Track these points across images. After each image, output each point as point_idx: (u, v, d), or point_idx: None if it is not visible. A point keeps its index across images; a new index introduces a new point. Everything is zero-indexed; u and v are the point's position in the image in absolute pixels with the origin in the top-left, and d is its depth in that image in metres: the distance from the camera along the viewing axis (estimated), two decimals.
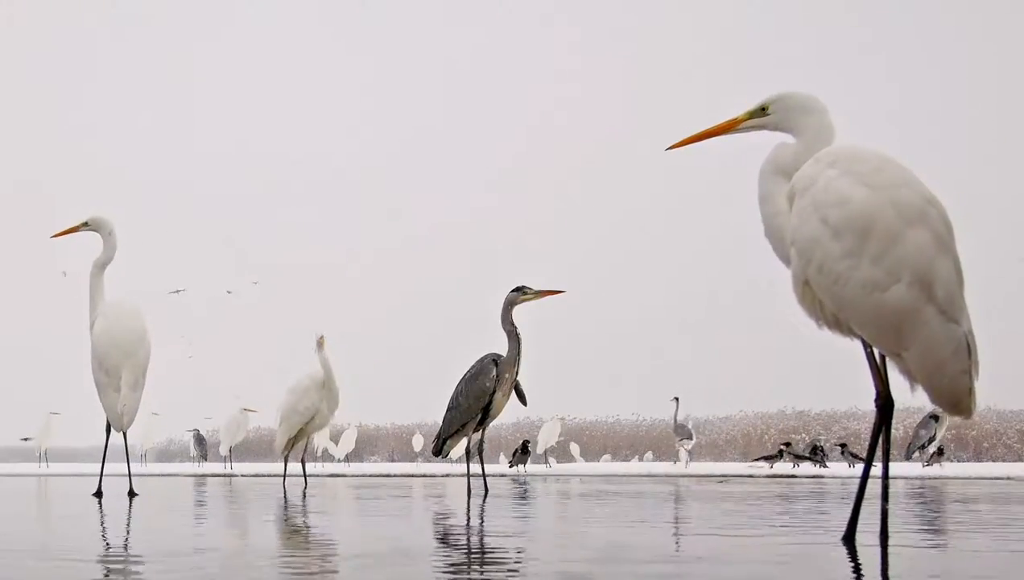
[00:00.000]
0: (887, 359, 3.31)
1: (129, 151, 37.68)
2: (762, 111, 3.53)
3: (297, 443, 9.61)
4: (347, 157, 36.27)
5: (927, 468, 14.99)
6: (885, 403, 3.33)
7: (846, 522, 3.39)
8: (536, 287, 7.13)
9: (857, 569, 2.82)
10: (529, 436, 22.28)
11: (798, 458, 16.90)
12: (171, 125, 38.60)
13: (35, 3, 36.68)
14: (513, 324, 7.14)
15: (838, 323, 3.30)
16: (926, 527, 4.48)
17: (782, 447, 17.42)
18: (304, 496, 7.61)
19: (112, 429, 7.49)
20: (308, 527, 4.55)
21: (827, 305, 3.26)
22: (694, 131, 3.65)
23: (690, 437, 17.54)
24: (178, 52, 39.75)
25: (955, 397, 3.17)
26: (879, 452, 3.35)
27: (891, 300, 3.11)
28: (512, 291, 7.14)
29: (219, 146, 37.66)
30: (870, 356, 3.35)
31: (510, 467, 16.55)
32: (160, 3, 41.07)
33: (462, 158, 37.25)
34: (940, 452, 16.07)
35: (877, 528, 3.32)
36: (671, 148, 3.71)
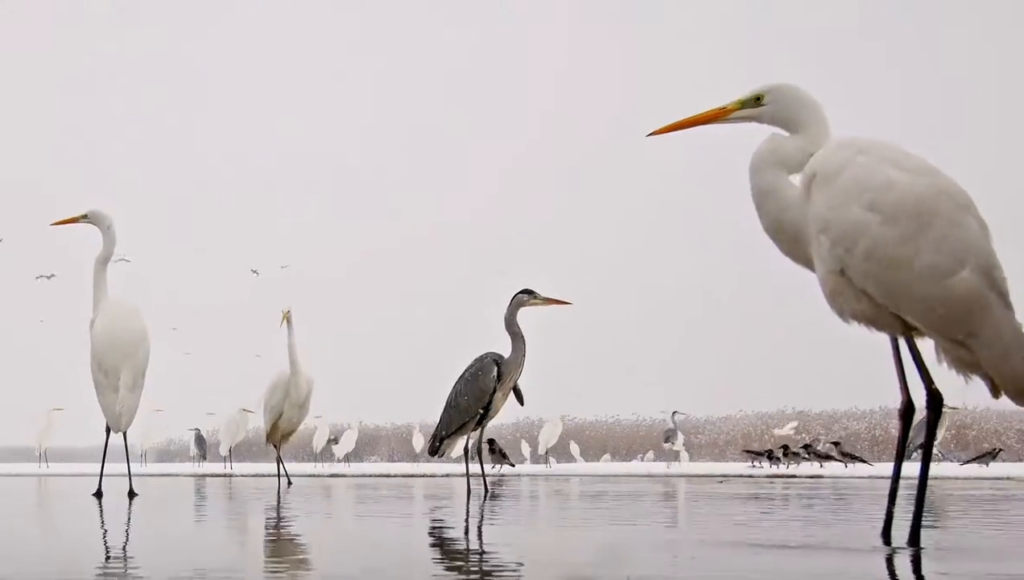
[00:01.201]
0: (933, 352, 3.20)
1: (128, 151, 37.67)
2: (756, 101, 3.33)
3: (282, 438, 9.61)
4: (347, 157, 36.26)
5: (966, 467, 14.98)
6: (935, 400, 3.23)
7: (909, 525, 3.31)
8: (543, 293, 7.09)
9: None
10: (529, 436, 22.26)
11: (756, 455, 16.98)
12: (170, 125, 38.59)
13: (36, 2, 36.68)
14: (518, 326, 7.12)
15: (875, 316, 3.16)
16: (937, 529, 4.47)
17: (770, 450, 17.39)
18: (279, 495, 7.59)
19: (111, 430, 7.46)
20: (295, 534, 4.54)
21: (872, 294, 3.11)
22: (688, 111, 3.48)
23: (668, 439, 17.74)
24: (177, 53, 39.75)
25: (1022, 383, 3.09)
26: (917, 452, 3.34)
27: (958, 286, 3.02)
28: (520, 293, 7.06)
29: (218, 146, 37.66)
30: (919, 355, 3.20)
31: (508, 466, 16.53)
32: (160, 3, 41.06)
33: (462, 158, 37.25)
34: (992, 453, 15.89)
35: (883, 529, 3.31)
36: (653, 134, 3.48)
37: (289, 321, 9.20)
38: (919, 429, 15.63)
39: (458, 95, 38.60)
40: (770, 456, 16.53)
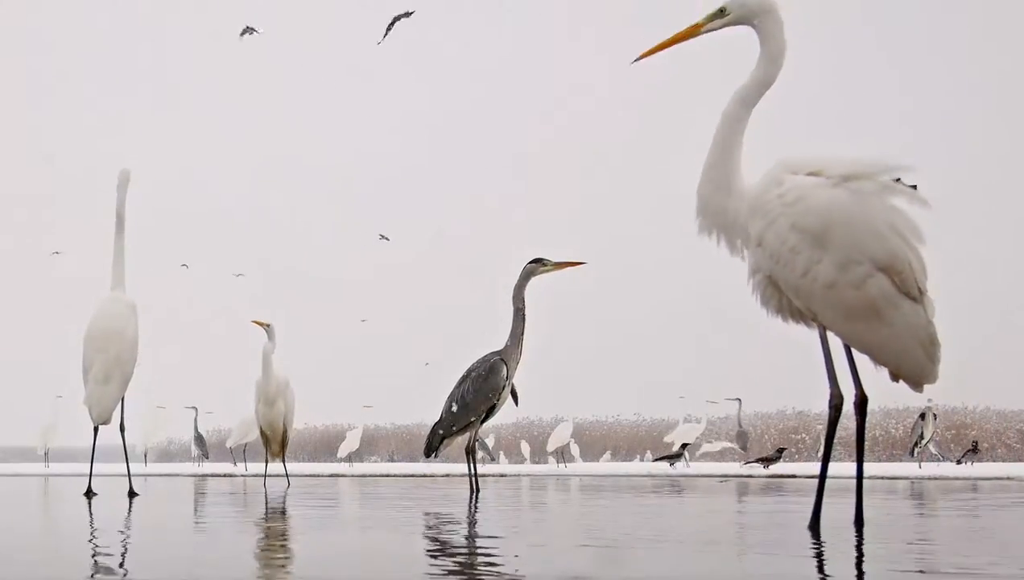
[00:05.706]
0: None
1: (130, 152, 37.67)
2: (720, 13, 3.70)
3: (273, 441, 9.57)
4: (347, 161, 36.26)
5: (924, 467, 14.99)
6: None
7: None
8: (554, 259, 6.89)
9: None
10: (529, 436, 22.27)
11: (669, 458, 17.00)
12: (173, 129, 38.58)
13: (34, 3, 36.69)
14: (524, 301, 6.96)
15: None
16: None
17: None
18: (267, 494, 7.60)
19: (101, 424, 7.35)
20: (288, 536, 4.53)
21: None
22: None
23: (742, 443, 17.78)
24: (178, 53, 39.76)
25: None
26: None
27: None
28: (530, 262, 6.91)
29: (224, 149, 37.63)
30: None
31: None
32: (171, 4, 41.07)
33: (464, 161, 37.21)
34: (974, 450, 15.90)
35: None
36: (637, 60, 3.74)
37: (269, 333, 9.10)
38: (913, 430, 15.64)
39: (462, 99, 38.59)
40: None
